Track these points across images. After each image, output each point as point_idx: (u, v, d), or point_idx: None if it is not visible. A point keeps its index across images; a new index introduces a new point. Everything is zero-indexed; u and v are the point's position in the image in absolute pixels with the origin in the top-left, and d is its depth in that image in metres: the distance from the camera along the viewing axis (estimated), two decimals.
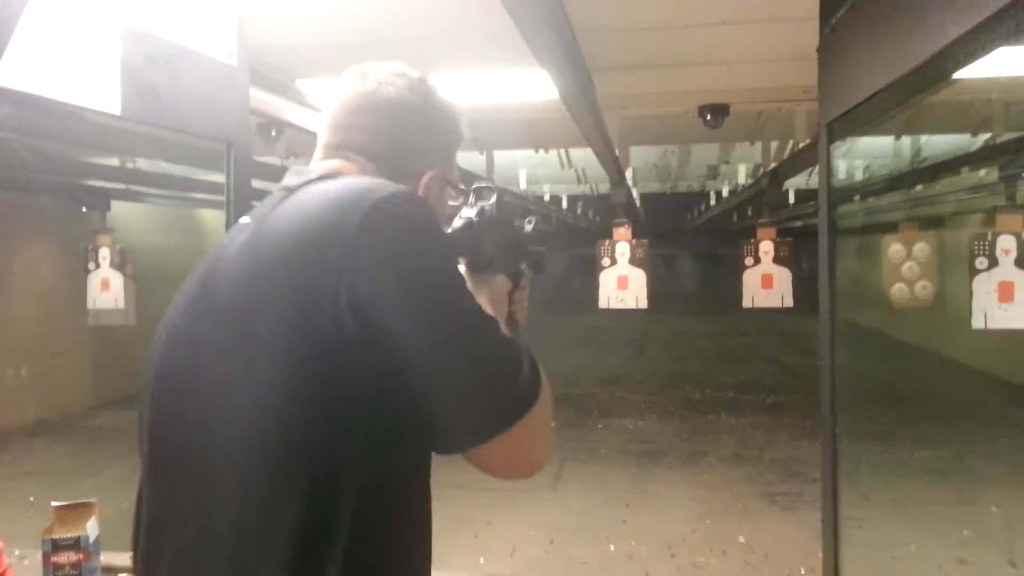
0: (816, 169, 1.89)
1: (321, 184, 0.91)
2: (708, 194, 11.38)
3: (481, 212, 1.02)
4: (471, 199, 1.05)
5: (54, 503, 1.46)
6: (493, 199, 1.04)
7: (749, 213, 10.44)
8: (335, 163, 0.98)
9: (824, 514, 1.68)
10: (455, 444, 0.81)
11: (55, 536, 1.43)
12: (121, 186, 6.60)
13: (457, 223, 1.02)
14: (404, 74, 1.01)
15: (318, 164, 1.00)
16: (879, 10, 1.24)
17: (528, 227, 1.12)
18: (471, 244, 1.01)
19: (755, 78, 3.48)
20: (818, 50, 1.61)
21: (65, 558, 1.44)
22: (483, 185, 1.06)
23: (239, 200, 1.71)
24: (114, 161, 6.41)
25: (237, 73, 1.75)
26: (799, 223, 9.96)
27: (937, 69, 1.04)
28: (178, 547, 0.83)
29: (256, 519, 0.78)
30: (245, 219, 0.95)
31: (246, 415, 0.79)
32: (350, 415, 0.79)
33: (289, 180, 0.96)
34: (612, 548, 4.20)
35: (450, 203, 1.06)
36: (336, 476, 0.79)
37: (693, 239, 16.25)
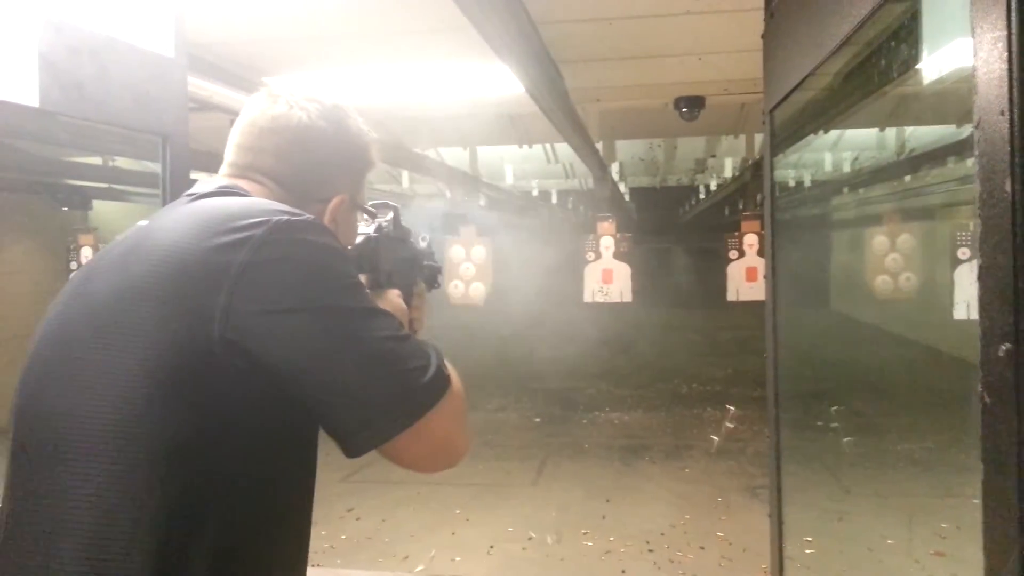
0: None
1: (223, 198, 0.93)
2: (697, 188, 11.33)
3: (379, 228, 1.06)
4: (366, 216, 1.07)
5: None
6: (390, 216, 1.07)
7: (740, 207, 10.38)
8: (241, 183, 0.99)
9: (771, 506, 1.66)
10: (365, 442, 0.82)
11: None
12: (103, 185, 6.56)
13: (357, 240, 1.05)
14: (316, 100, 1.01)
15: (224, 181, 1.00)
16: None
17: (423, 244, 1.14)
18: (370, 260, 1.04)
19: (728, 69, 3.44)
20: (762, 36, 1.58)
21: None
22: (380, 202, 1.08)
23: (176, 195, 1.67)
24: (96, 160, 6.36)
25: (174, 65, 1.71)
26: (786, 215, 9.91)
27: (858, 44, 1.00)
28: (31, 539, 0.80)
29: (118, 510, 0.77)
30: (143, 222, 0.95)
31: (112, 405, 0.79)
32: (228, 413, 0.80)
33: (195, 188, 0.97)
34: (590, 544, 4.17)
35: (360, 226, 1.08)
36: (207, 469, 0.79)
37: (684, 233, 16.22)
